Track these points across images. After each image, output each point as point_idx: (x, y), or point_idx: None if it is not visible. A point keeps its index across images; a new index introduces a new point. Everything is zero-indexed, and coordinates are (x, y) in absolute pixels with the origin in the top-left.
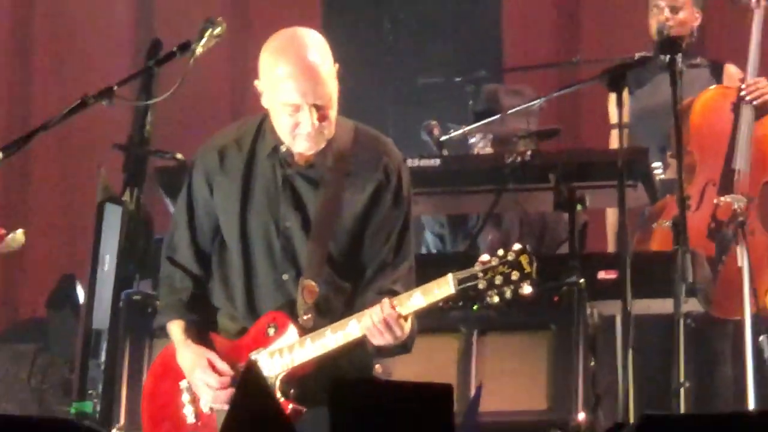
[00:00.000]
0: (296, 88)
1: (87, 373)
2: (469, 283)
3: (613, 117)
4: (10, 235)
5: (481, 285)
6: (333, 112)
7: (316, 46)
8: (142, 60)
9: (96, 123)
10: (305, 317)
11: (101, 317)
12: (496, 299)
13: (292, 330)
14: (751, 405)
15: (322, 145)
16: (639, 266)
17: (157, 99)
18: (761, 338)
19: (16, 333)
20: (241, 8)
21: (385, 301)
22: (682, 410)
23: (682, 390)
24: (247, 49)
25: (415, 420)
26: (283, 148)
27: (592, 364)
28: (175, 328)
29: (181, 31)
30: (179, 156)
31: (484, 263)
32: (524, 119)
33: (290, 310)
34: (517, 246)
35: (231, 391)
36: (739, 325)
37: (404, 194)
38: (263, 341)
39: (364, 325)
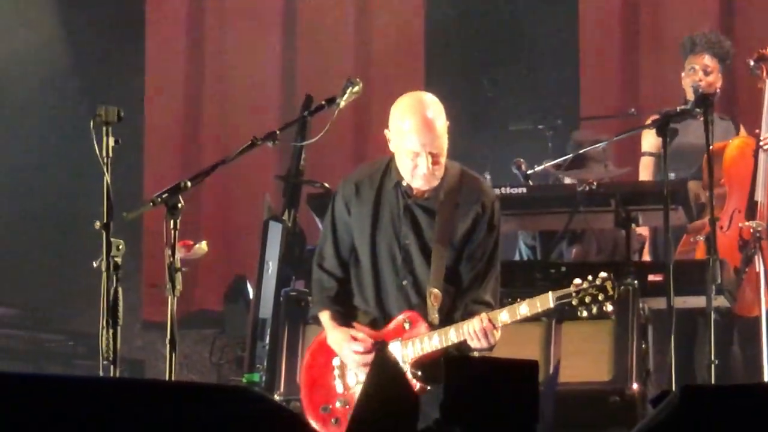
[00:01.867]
0: (417, 139)
1: (255, 351)
2: (565, 300)
3: (645, 147)
4: (197, 246)
5: (574, 302)
6: (444, 159)
7: (433, 107)
8: (287, 109)
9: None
10: (433, 316)
11: (266, 308)
12: (584, 314)
13: (422, 325)
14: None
15: (435, 184)
16: (679, 271)
17: (311, 141)
18: None
19: (196, 321)
20: (363, 69)
21: (483, 315)
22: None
23: (712, 366)
24: (368, 104)
25: (509, 387)
26: (404, 183)
27: (644, 346)
28: (325, 317)
29: (321, 88)
30: (326, 185)
31: (577, 285)
32: (602, 163)
33: (420, 310)
34: (603, 273)
35: (372, 356)
36: (747, 319)
37: (495, 223)
38: (400, 333)
39: (467, 331)
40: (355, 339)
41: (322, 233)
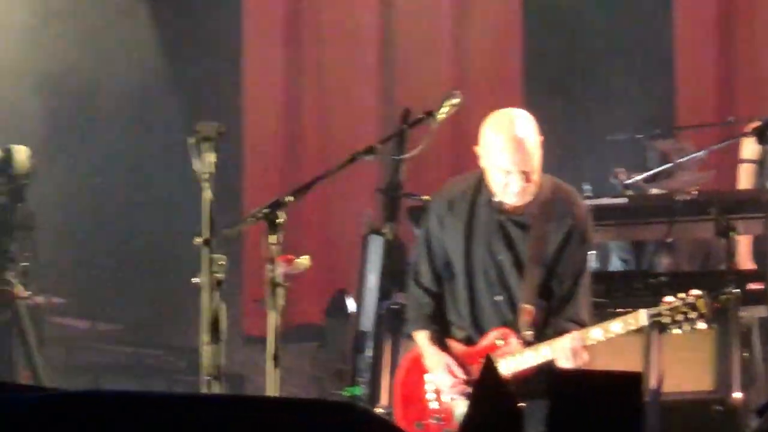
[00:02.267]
0: (508, 157)
1: (357, 365)
2: (657, 318)
3: (745, 154)
4: (298, 260)
5: (666, 320)
6: (536, 176)
7: (524, 124)
8: (386, 122)
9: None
10: (527, 333)
11: (367, 322)
12: (676, 331)
13: (515, 342)
14: None
15: (528, 200)
16: None
17: (410, 155)
18: None
19: (297, 335)
20: (460, 82)
21: (574, 334)
22: None
23: None
24: (466, 116)
25: (614, 401)
26: (496, 199)
27: (746, 354)
28: (421, 337)
29: (419, 100)
30: (426, 198)
31: (669, 303)
32: (688, 171)
33: (512, 327)
34: (696, 291)
35: (463, 387)
36: None
37: (588, 237)
38: (493, 349)
39: (558, 348)
40: (451, 371)
41: (416, 249)
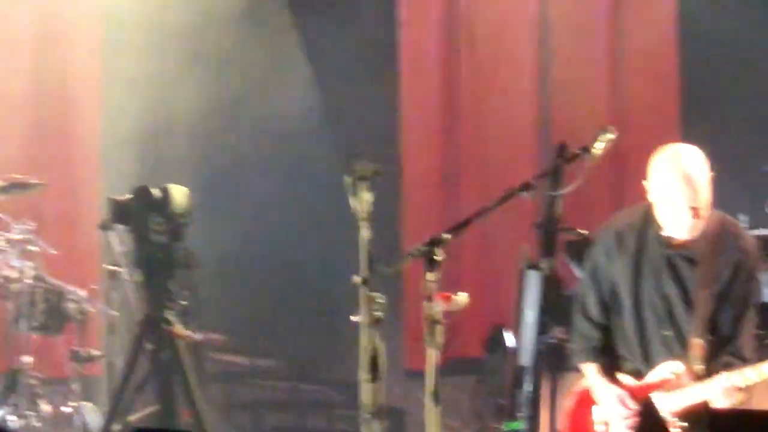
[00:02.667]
0: (677, 193)
1: (516, 399)
2: None
3: None
4: (455, 298)
5: None
6: (705, 212)
7: (694, 160)
8: (543, 155)
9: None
10: (696, 367)
11: (526, 357)
12: None
13: (685, 377)
14: None
15: (696, 235)
16: None
17: (566, 190)
18: None
19: (456, 368)
20: (617, 116)
21: (735, 373)
22: None
23: None
24: (623, 150)
25: None
26: (664, 233)
27: None
28: (590, 369)
29: (575, 135)
30: (583, 232)
31: None
32: None
33: (683, 361)
34: None
35: (636, 420)
36: None
37: (754, 271)
38: (664, 384)
39: (720, 385)
40: (624, 403)
41: (582, 282)
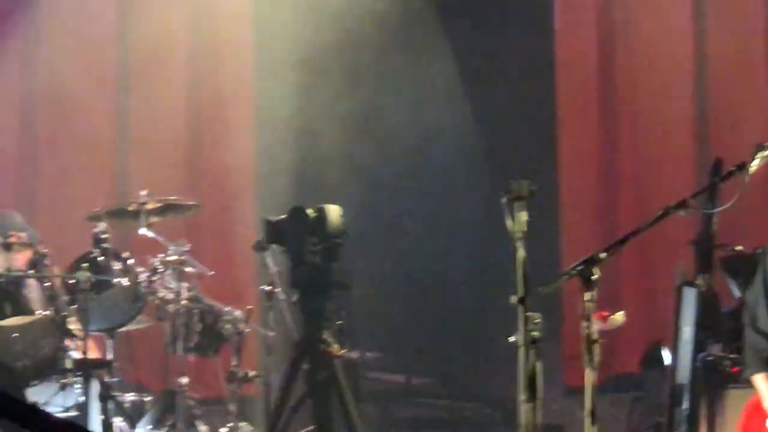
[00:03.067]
0: None
1: (674, 417)
2: None
3: None
4: (612, 317)
5: None
6: None
7: None
8: (697, 172)
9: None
10: None
11: (683, 374)
12: None
13: None
14: None
15: None
16: None
17: (722, 208)
18: None
19: (613, 385)
20: None
21: None
22: None
23: None
24: None
25: None
26: None
27: None
28: (761, 380)
29: (732, 150)
30: (739, 248)
31: None
32: None
33: None
34: None
35: None
36: None
37: None
38: None
39: None
40: None
41: (750, 295)
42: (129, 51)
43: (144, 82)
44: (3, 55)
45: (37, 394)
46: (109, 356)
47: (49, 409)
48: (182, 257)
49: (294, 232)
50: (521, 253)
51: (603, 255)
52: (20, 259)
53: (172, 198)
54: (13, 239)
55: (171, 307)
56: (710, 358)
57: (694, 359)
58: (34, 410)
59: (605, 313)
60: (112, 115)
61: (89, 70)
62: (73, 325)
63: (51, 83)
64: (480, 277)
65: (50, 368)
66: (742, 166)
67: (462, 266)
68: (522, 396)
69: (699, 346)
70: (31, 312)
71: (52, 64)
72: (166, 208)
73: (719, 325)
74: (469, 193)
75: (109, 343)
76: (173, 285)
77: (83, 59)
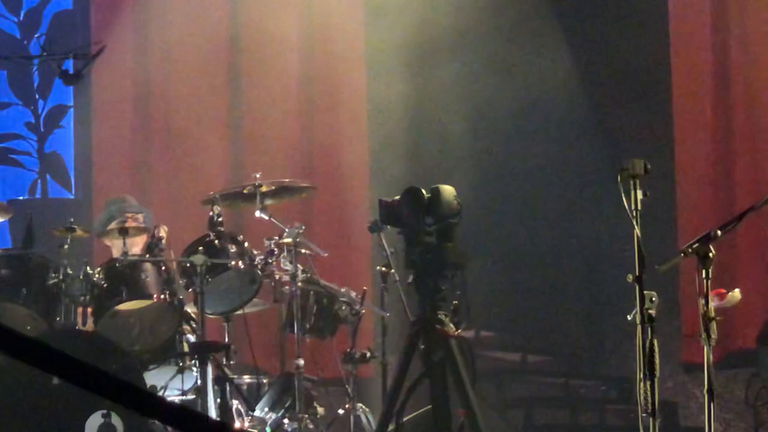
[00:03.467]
0: None
1: None
2: None
3: None
4: (730, 294)
5: None
6: None
7: None
8: None
9: None
10: None
11: None
12: None
13: None
14: None
15: None
16: None
17: None
18: None
19: (730, 361)
20: None
21: None
22: None
23: None
24: None
25: None
26: None
27: None
28: None
29: None
30: None
31: None
32: None
33: None
34: None
35: None
36: None
37: None
38: None
39: None
40: None
41: None
42: (240, 39)
43: (257, 66)
44: (118, 44)
45: (155, 377)
46: (226, 339)
47: (167, 393)
48: (297, 239)
49: (409, 213)
50: (637, 231)
51: (719, 232)
52: (137, 243)
53: (287, 180)
54: (129, 222)
55: (287, 290)
56: None
57: None
58: (150, 396)
59: (722, 291)
60: (226, 101)
61: (202, 55)
62: (190, 308)
63: (164, 71)
64: (597, 255)
65: (168, 352)
66: None
67: (579, 245)
68: (639, 374)
69: None
70: (148, 296)
71: (165, 53)
72: (281, 191)
73: None
74: (584, 172)
75: (226, 326)
76: (289, 267)
77: (196, 44)
